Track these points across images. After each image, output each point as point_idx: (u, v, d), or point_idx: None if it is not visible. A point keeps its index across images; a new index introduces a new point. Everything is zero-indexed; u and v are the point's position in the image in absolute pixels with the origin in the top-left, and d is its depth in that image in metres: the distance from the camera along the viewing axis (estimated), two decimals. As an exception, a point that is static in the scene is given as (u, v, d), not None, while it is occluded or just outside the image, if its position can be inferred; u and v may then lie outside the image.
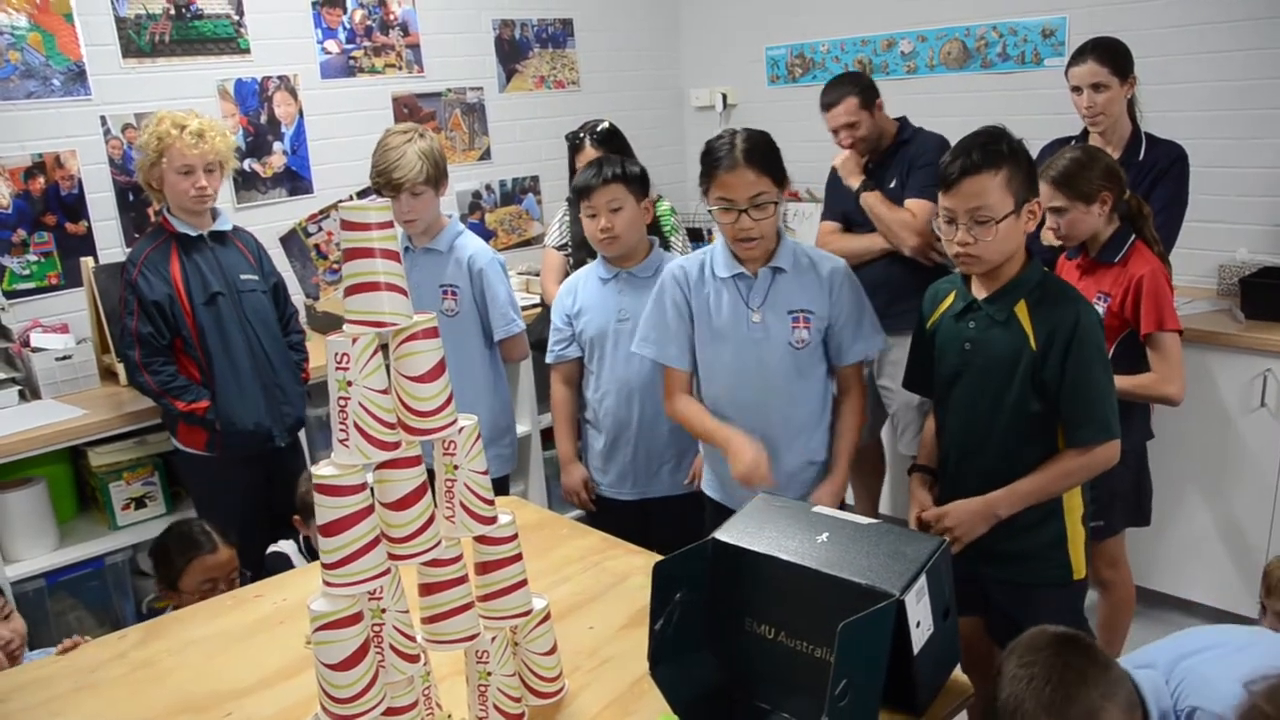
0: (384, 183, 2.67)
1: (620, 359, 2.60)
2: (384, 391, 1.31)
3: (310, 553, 2.60)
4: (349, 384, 1.28)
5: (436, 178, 2.72)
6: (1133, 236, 2.53)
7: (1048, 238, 2.97)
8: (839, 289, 2.24)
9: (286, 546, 2.67)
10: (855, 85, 3.28)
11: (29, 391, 3.14)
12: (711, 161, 2.15)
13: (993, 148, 1.90)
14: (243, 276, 2.83)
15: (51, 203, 3.29)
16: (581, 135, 3.27)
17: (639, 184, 2.56)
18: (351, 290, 1.30)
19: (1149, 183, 2.88)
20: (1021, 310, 1.97)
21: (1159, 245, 2.61)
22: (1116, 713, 1.46)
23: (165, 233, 2.77)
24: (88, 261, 3.22)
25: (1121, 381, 2.08)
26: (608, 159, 2.58)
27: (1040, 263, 2.01)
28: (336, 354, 1.28)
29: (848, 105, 3.23)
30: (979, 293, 2.03)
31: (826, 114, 3.31)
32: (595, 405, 2.70)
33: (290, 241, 3.87)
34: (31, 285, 3.27)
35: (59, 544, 2.96)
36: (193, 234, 2.76)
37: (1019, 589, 2.09)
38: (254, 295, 2.83)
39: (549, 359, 2.75)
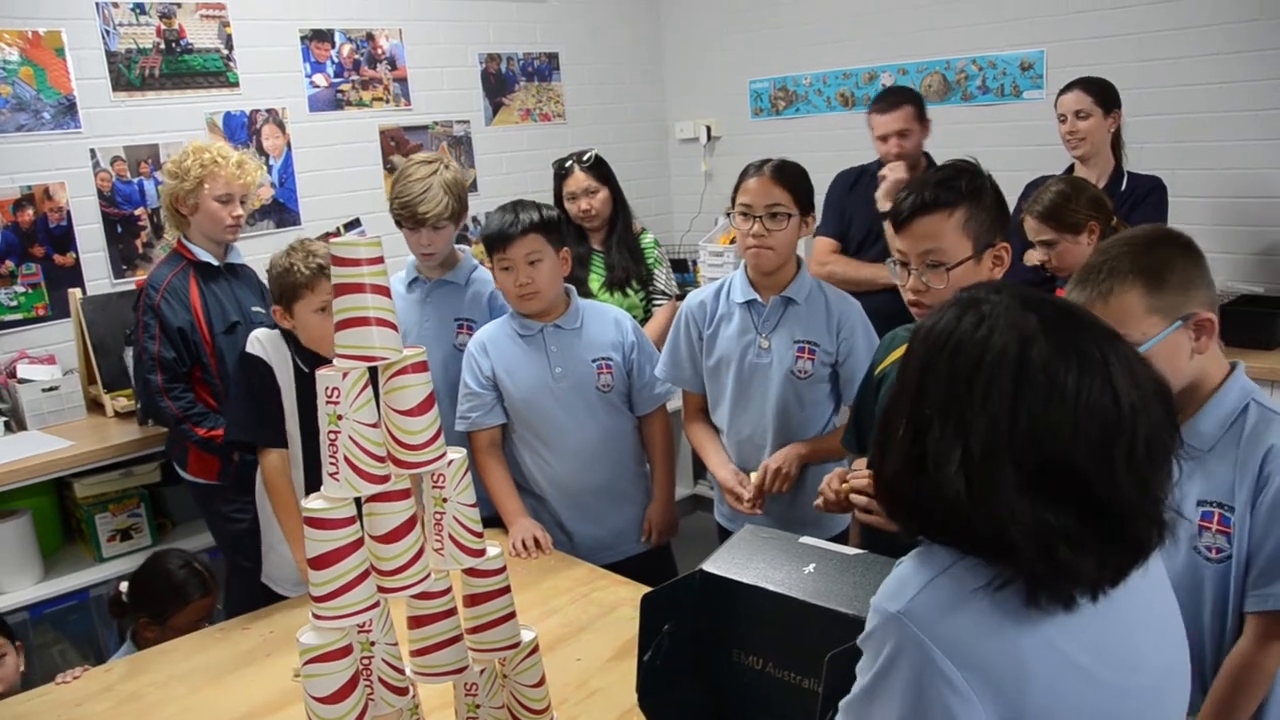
0: (407, 215, 2.58)
1: (570, 422, 2.39)
2: (374, 425, 1.32)
3: (298, 350, 2.29)
4: (339, 418, 1.29)
5: (459, 212, 2.66)
6: None
7: (1031, 259, 3.02)
8: (848, 328, 2.27)
9: (265, 339, 2.32)
10: (912, 95, 3.28)
11: (15, 423, 3.13)
12: (741, 175, 2.26)
13: (950, 184, 1.72)
14: (254, 308, 2.85)
15: (40, 234, 3.30)
16: (569, 162, 3.29)
17: (558, 232, 2.38)
18: (342, 325, 1.31)
19: (1126, 209, 2.94)
20: None
21: None
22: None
23: (184, 260, 2.78)
24: (75, 293, 3.23)
25: None
26: (522, 203, 2.37)
27: None
28: (327, 388, 1.29)
29: (905, 112, 3.20)
30: None
31: (880, 118, 3.23)
32: (540, 476, 2.44)
33: (278, 272, 3.88)
34: (19, 316, 3.27)
35: (43, 576, 2.94)
36: (215, 263, 2.79)
37: None
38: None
39: (462, 427, 2.42)
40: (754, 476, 2.28)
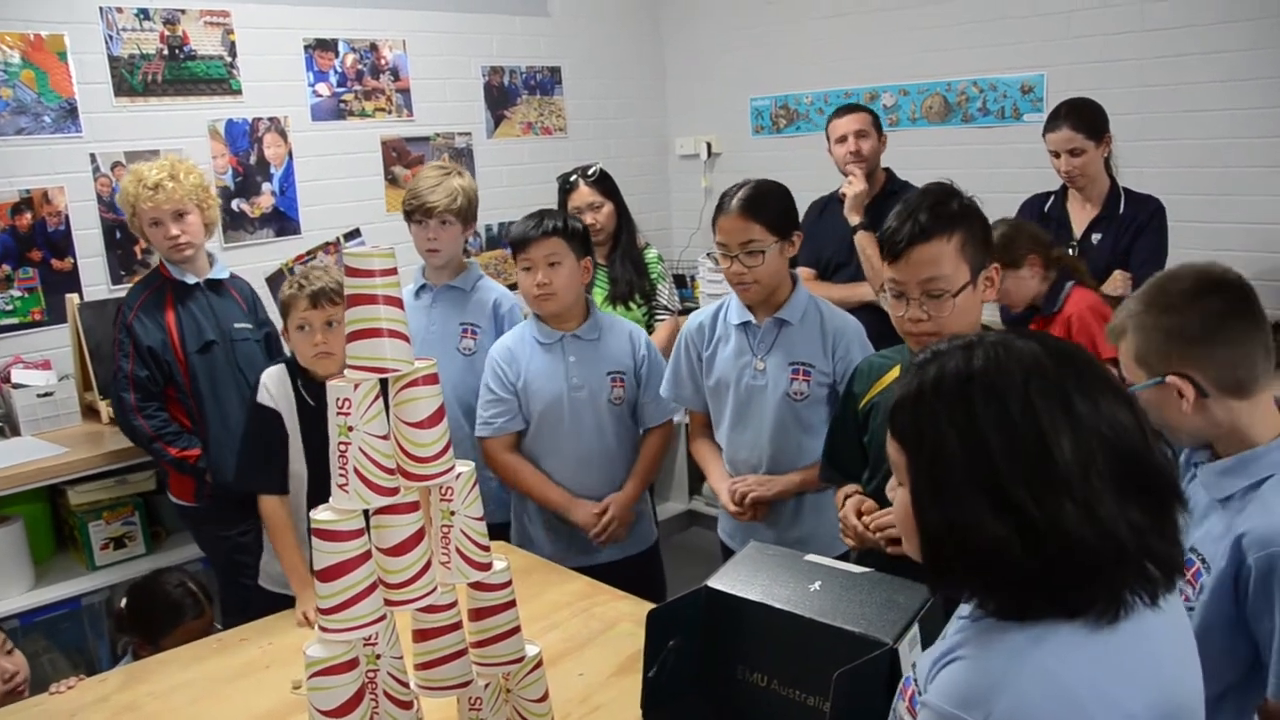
0: (417, 205, 2.68)
1: (580, 431, 2.44)
2: (384, 437, 1.32)
3: (305, 383, 2.26)
4: (350, 429, 1.29)
5: (467, 213, 2.75)
6: (1069, 284, 2.67)
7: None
8: (844, 347, 2.23)
9: (271, 382, 2.29)
10: (867, 108, 3.40)
11: (9, 428, 3.11)
12: (716, 208, 2.26)
13: (942, 210, 1.65)
14: (236, 325, 2.80)
15: (38, 239, 3.28)
16: (574, 176, 3.31)
17: (580, 241, 2.44)
18: (354, 336, 1.31)
19: (1130, 236, 2.96)
20: None
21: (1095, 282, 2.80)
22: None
23: (161, 278, 2.75)
24: (72, 298, 3.21)
25: None
26: (549, 211, 2.47)
27: None
28: (338, 399, 1.29)
29: (860, 116, 3.31)
30: None
31: (838, 120, 3.32)
32: (549, 475, 2.49)
33: (276, 282, 3.86)
34: (15, 321, 3.25)
35: (35, 584, 2.91)
36: (189, 281, 2.74)
37: None
38: (247, 344, 2.80)
39: (482, 431, 2.49)
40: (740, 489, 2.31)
